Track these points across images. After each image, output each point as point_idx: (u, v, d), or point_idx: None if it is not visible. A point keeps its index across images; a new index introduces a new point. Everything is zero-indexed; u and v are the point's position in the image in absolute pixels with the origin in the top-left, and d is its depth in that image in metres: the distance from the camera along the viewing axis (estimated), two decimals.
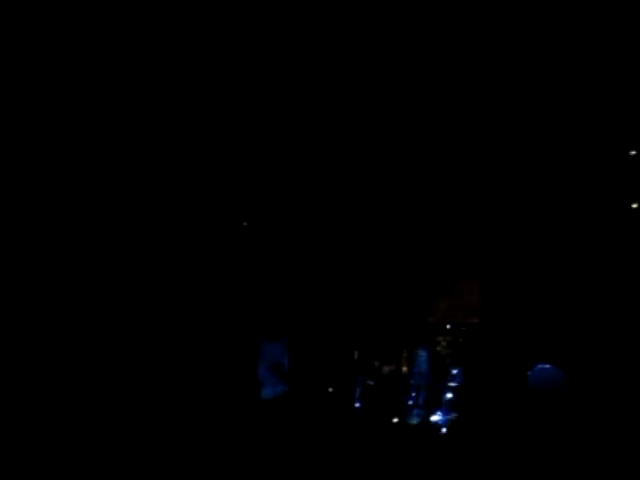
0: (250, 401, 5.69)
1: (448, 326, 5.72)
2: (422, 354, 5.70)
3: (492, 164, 6.05)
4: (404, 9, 5.59)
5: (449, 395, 5.54)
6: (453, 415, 5.43)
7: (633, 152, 5.93)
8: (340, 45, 5.78)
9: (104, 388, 5.24)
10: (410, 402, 5.58)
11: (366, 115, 6.03)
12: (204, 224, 6.17)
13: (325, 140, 6.12)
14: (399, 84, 5.96)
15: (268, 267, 6.20)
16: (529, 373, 5.44)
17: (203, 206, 6.15)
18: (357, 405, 5.63)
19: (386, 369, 5.69)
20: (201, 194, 6.13)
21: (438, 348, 5.66)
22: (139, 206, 5.90)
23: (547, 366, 5.42)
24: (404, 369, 5.68)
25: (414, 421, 5.53)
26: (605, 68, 5.73)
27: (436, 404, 5.54)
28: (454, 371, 5.57)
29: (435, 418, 5.48)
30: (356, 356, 5.75)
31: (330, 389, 5.69)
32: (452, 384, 5.56)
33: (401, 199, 6.13)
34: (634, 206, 5.90)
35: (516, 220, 6.06)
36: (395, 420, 5.51)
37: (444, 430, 5.35)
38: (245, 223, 6.08)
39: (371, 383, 5.67)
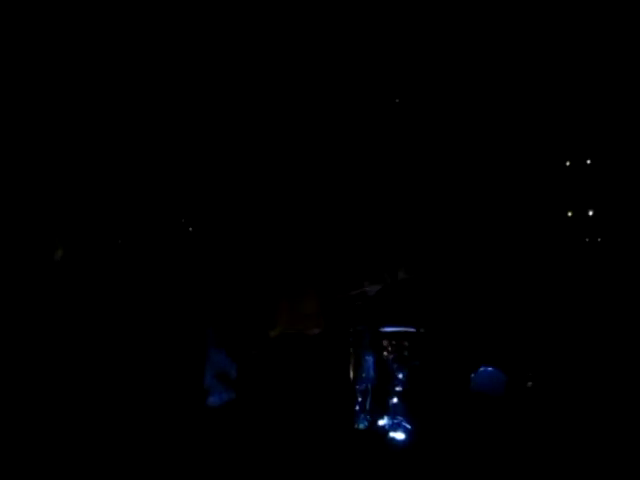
0: (196, 409, 5.63)
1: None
2: (369, 359, 5.77)
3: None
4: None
5: (395, 399, 5.62)
6: (399, 419, 5.51)
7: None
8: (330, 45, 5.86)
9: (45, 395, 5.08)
10: (357, 407, 5.64)
11: None
12: (146, 232, 6.11)
13: None
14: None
15: (214, 277, 6.16)
16: (472, 376, 5.60)
17: (140, 213, 6.11)
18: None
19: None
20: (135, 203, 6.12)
21: (384, 353, 5.73)
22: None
23: (490, 369, 5.59)
24: (351, 375, 5.73)
25: (361, 426, 5.58)
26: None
27: (382, 409, 5.62)
28: (400, 375, 5.66)
29: (382, 422, 5.55)
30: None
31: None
32: (398, 388, 5.64)
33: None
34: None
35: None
36: (343, 425, 5.54)
37: (396, 436, 5.42)
38: (190, 229, 6.04)
39: None
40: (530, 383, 5.79)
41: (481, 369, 5.64)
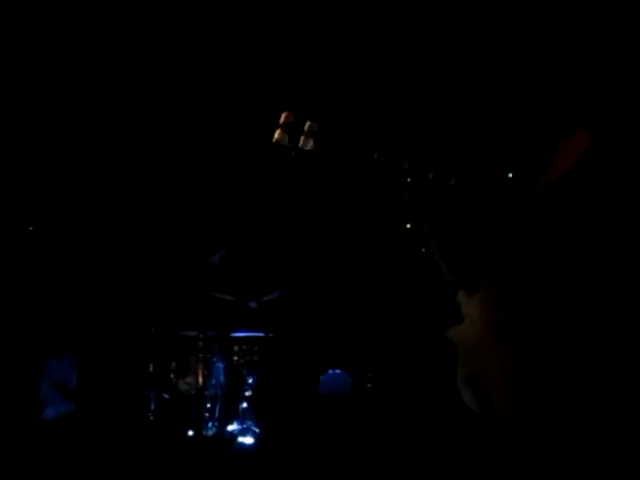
0: (29, 423, 5.22)
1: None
2: (219, 365, 5.71)
3: None
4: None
5: (244, 404, 5.62)
6: (248, 424, 5.52)
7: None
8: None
9: None
10: (206, 414, 5.55)
11: None
12: None
13: None
14: None
15: (54, 278, 5.80)
16: (321, 378, 5.77)
17: None
18: (151, 419, 5.45)
19: (182, 381, 5.59)
20: None
21: (235, 358, 5.72)
22: None
23: (337, 371, 5.80)
24: (200, 380, 5.63)
25: (210, 432, 5.50)
26: None
27: (232, 414, 5.59)
28: (249, 380, 5.67)
29: (231, 428, 5.51)
30: (151, 369, 5.58)
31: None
32: (247, 393, 5.65)
33: None
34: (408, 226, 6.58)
35: None
36: (190, 433, 5.43)
37: (245, 441, 5.39)
38: (31, 228, 5.62)
39: (167, 396, 5.53)
40: (370, 384, 6.08)
41: (329, 371, 5.84)
